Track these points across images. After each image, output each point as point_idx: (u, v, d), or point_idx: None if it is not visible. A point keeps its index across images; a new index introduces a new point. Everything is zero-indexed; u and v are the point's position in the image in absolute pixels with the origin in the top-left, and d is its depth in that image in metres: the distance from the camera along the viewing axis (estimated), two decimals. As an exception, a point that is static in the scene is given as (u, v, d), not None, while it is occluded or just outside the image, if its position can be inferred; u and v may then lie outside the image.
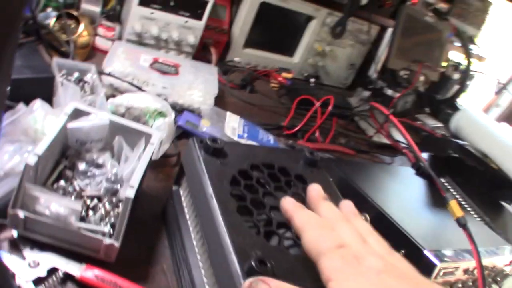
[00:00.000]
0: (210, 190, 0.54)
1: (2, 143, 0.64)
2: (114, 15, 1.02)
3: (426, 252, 0.70)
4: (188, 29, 1.07)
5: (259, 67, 1.29)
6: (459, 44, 1.49)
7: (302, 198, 0.61)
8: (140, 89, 0.89)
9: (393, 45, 1.18)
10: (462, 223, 0.75)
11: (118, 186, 0.65)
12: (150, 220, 0.69)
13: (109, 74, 0.88)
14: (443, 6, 1.43)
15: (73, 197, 0.62)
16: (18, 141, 0.66)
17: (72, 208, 0.54)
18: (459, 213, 0.76)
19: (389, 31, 1.32)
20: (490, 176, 1.20)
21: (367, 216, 0.78)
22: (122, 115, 0.75)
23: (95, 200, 0.63)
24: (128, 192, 0.56)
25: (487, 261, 0.79)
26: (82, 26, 0.95)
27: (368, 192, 0.82)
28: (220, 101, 1.06)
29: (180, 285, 0.60)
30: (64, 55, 0.92)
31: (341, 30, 1.20)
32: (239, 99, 1.11)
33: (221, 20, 1.17)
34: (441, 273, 0.71)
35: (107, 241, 0.55)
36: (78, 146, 0.66)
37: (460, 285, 0.76)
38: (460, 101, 1.68)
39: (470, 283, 0.78)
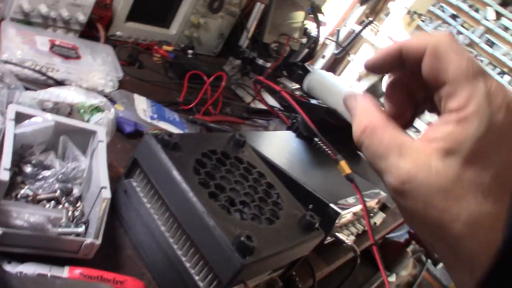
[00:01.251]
0: (184, 183, 0.62)
1: None
2: (-6, -7, 0.93)
3: (331, 205, 0.88)
4: (78, 6, 1.03)
5: (139, 41, 1.30)
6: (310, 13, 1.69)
7: (244, 177, 0.72)
8: (47, 76, 0.86)
9: (267, 21, 1.30)
10: (350, 178, 0.94)
11: (70, 185, 0.67)
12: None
13: (12, 63, 0.83)
14: (296, -20, 1.60)
15: (28, 202, 0.62)
16: None
17: (55, 216, 0.56)
18: (348, 170, 0.96)
19: (258, 5, 1.44)
20: (347, 131, 1.45)
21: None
22: (49, 111, 0.74)
23: (53, 202, 0.64)
24: (105, 193, 0.60)
25: (368, 203, 1.01)
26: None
27: (271, 158, 0.96)
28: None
29: (149, 265, 0.67)
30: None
31: (218, 5, 1.28)
32: (132, 77, 1.13)
33: (103, -6, 1.15)
34: (342, 219, 0.90)
35: (88, 240, 0.59)
36: (21, 151, 0.65)
37: (351, 224, 0.98)
38: (310, 63, 1.91)
39: (356, 222, 0.99)
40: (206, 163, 0.69)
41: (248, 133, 1.13)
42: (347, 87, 1.81)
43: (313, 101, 1.65)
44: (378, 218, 1.08)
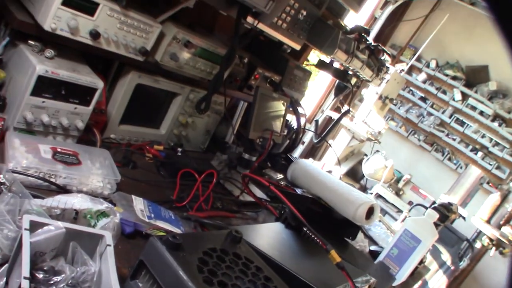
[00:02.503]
0: (190, 283, 0.65)
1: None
2: (3, 105, 1.00)
3: (326, 295, 0.91)
4: (77, 114, 1.11)
5: (132, 141, 1.38)
6: (290, 108, 1.81)
7: (244, 272, 0.76)
8: (51, 183, 0.92)
9: (251, 120, 1.40)
10: (341, 266, 0.99)
11: (79, 288, 0.70)
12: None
13: (17, 172, 0.89)
14: (276, 78, 1.74)
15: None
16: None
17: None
18: (338, 259, 1.01)
19: (241, 103, 1.55)
20: (332, 218, 1.51)
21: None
22: (56, 217, 0.79)
23: (62, 307, 0.67)
24: (115, 297, 0.63)
25: (359, 292, 1.04)
26: (-25, 123, 0.93)
27: (269, 252, 1.00)
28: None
29: None
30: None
31: (205, 105, 1.38)
32: (127, 177, 1.18)
33: (99, 101, 1.23)
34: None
35: None
36: (34, 258, 0.69)
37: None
38: (292, 153, 2.01)
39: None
40: (208, 261, 0.73)
41: (241, 228, 1.17)
42: (329, 175, 1.89)
43: (298, 191, 1.72)
44: (370, 304, 1.11)
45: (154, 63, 1.28)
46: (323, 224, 1.44)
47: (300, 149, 3.99)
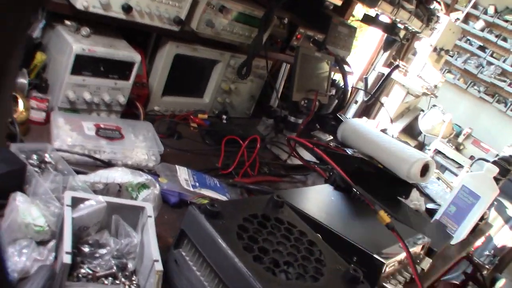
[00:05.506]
0: (229, 250, 0.65)
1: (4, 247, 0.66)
2: (43, 86, 1.03)
3: (375, 255, 0.89)
4: (118, 90, 1.13)
5: (176, 112, 1.39)
6: (336, 66, 1.75)
7: (286, 237, 0.75)
8: (96, 159, 0.94)
9: (294, 81, 1.37)
10: (391, 227, 0.96)
11: (125, 260, 0.72)
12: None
13: (63, 150, 0.91)
14: (319, 37, 1.68)
15: (89, 281, 0.67)
16: (15, 239, 0.69)
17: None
18: (387, 219, 0.97)
19: (284, 65, 1.51)
20: (384, 178, 1.46)
21: (320, 236, 0.94)
22: (99, 192, 0.81)
23: (110, 278, 0.69)
24: (157, 266, 0.64)
25: (411, 250, 1.01)
26: (21, 103, 0.96)
27: (314, 214, 0.99)
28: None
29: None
30: (10, 137, 0.93)
31: (247, 70, 1.35)
32: (172, 148, 1.20)
33: (139, 74, 1.24)
34: (387, 269, 0.90)
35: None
36: (79, 232, 0.71)
37: (397, 273, 0.97)
38: (342, 113, 1.96)
39: (403, 270, 0.99)
40: (248, 227, 0.72)
41: (286, 192, 1.16)
42: (381, 133, 1.83)
43: (349, 151, 1.68)
44: (425, 264, 1.07)
45: (190, 31, 1.27)
46: (374, 184, 1.40)
47: (353, 108, 3.90)
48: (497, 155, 2.93)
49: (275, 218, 0.79)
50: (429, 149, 3.18)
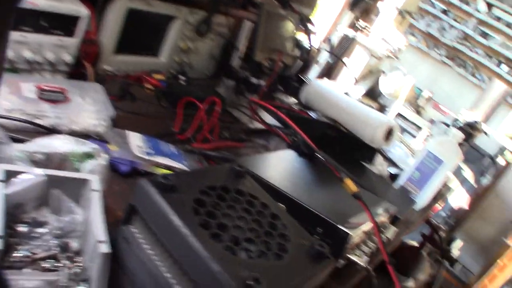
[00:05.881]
0: (183, 228, 0.59)
1: None
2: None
3: (340, 226, 0.85)
4: (62, 47, 1.02)
5: (130, 72, 1.28)
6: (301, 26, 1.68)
7: (247, 210, 0.69)
8: (38, 125, 0.84)
9: (257, 40, 1.29)
10: (358, 197, 0.92)
11: (67, 239, 0.65)
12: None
13: (1, 116, 0.81)
14: (283, -6, 1.59)
15: (26, 264, 0.60)
16: None
17: (53, 279, 0.54)
18: (354, 188, 0.93)
19: (246, 22, 1.42)
20: (348, 142, 1.43)
21: (283, 206, 0.89)
22: (40, 163, 0.72)
23: (52, 261, 0.62)
24: (102, 247, 0.57)
25: (378, 220, 0.97)
26: None
27: (277, 183, 0.93)
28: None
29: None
30: None
31: (206, 28, 1.26)
32: (124, 112, 1.11)
33: (88, 31, 1.13)
34: (353, 240, 0.87)
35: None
36: (14, 210, 0.63)
37: (362, 243, 0.94)
38: (307, 74, 1.89)
39: (368, 240, 0.96)
40: (206, 201, 0.66)
41: (247, 159, 1.10)
42: (346, 96, 1.78)
43: (313, 114, 1.63)
44: (391, 233, 1.05)
45: (144, -17, 1.15)
46: (339, 150, 1.37)
47: (315, 70, 3.84)
48: (456, 119, 2.96)
49: (235, 189, 0.73)
50: (390, 112, 3.18)
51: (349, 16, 3.17)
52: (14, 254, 0.59)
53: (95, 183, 0.66)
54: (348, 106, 1.60)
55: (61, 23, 0.99)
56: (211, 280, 0.55)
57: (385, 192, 1.30)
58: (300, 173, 1.11)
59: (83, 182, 0.67)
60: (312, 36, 1.74)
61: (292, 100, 1.70)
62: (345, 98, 1.68)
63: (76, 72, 1.11)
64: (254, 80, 1.42)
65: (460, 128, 1.61)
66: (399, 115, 3.26)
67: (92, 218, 0.62)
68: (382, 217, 1.02)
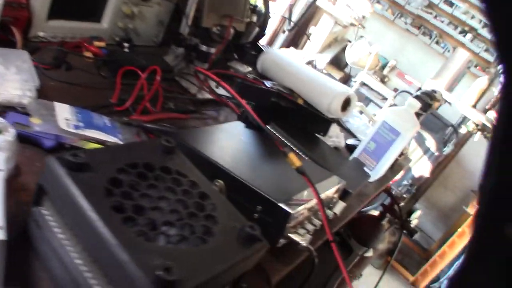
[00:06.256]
0: (90, 211, 0.53)
1: None
2: None
3: (280, 205, 0.81)
4: (-19, 10, 0.92)
5: (67, 39, 1.19)
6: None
7: (172, 190, 0.64)
8: None
9: (204, 4, 1.21)
10: (301, 171, 0.87)
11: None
12: (14, 245, 0.64)
13: None
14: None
15: None
16: None
17: None
18: (298, 163, 0.89)
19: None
20: (302, 113, 1.38)
21: (222, 182, 0.84)
22: None
23: None
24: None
25: (322, 196, 0.94)
26: None
27: (213, 157, 0.88)
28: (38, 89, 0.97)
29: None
30: None
31: (149, -8, 1.18)
32: (57, 81, 1.03)
33: (15, -7, 1.03)
34: (294, 218, 0.83)
35: (-16, 290, 0.51)
36: None
37: (306, 221, 0.90)
38: (263, 42, 1.82)
39: (313, 217, 0.92)
40: (123, 180, 0.60)
41: (190, 132, 1.04)
42: (303, 65, 1.73)
43: (268, 84, 1.57)
44: (338, 208, 1.01)
45: None
46: (292, 121, 1.32)
47: (281, 38, 3.77)
48: (420, 88, 2.95)
49: (161, 167, 0.67)
50: (355, 81, 3.15)
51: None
52: None
53: (1, 161, 0.60)
54: (305, 75, 1.55)
55: (-23, -18, 0.89)
56: (119, 269, 0.50)
57: (338, 166, 1.27)
58: (247, 147, 1.06)
59: (-14, 161, 0.60)
60: (269, 1, 1.67)
61: (247, 69, 1.63)
62: (302, 68, 1.63)
63: (3, 38, 1.02)
64: (204, 47, 1.34)
65: (417, 97, 1.58)
66: (364, 84, 3.24)
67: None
68: (330, 192, 0.98)
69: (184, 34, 1.37)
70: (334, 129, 1.54)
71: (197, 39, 1.33)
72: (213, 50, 1.35)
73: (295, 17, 3.10)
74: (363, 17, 2.96)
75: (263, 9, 1.75)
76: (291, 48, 3.15)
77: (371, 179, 1.45)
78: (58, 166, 0.57)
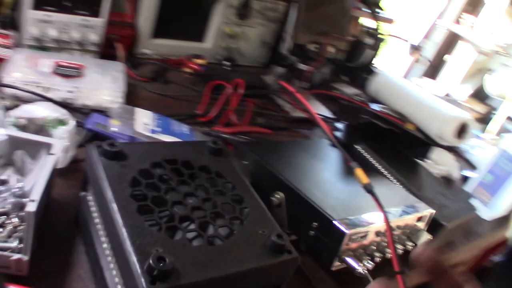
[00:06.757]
0: (109, 194, 0.55)
1: None
2: (7, 22, 0.98)
3: (335, 222, 0.75)
4: (88, 27, 1.05)
5: (171, 57, 1.29)
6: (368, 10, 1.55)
7: (205, 189, 0.64)
8: (42, 96, 0.87)
9: (298, 20, 1.21)
10: (368, 189, 0.80)
11: (25, 199, 0.65)
12: (64, 228, 0.69)
13: (9, 85, 0.85)
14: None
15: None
16: None
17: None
18: (365, 180, 0.81)
19: (294, 4, 1.35)
20: (403, 136, 1.28)
21: (282, 194, 0.81)
22: (24, 127, 0.74)
23: (3, 217, 0.62)
24: (30, 206, 0.56)
25: (398, 221, 0.84)
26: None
27: (282, 170, 0.85)
28: (133, 97, 1.06)
29: (96, 289, 0.61)
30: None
31: (246, 11, 1.22)
32: (152, 92, 1.11)
33: (124, 13, 1.15)
34: (352, 239, 0.76)
35: (15, 256, 0.56)
36: (-25, 166, 0.65)
37: (374, 247, 0.81)
38: (376, 65, 1.75)
39: (384, 243, 0.83)
40: (154, 173, 0.62)
41: (262, 143, 1.04)
42: (417, 88, 1.61)
43: (375, 106, 1.50)
44: (420, 238, 0.89)
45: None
46: (390, 143, 1.23)
47: (418, 68, 3.57)
48: None
49: (200, 166, 0.67)
50: (499, 115, 2.83)
51: (452, 8, 2.90)
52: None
53: (55, 147, 0.66)
54: (416, 98, 1.45)
55: (85, 3, 1.01)
56: (122, 254, 0.51)
57: (436, 194, 1.13)
58: (322, 164, 1.00)
59: (47, 145, 0.67)
60: (382, 22, 1.61)
61: (354, 90, 1.58)
62: (413, 90, 1.52)
63: (109, 53, 1.14)
64: (302, 66, 1.34)
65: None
66: (509, 118, 2.89)
67: (37, 179, 0.61)
68: (409, 219, 0.88)
69: (284, 53, 1.38)
70: (445, 157, 1.39)
71: (296, 58, 1.33)
72: (311, 69, 1.33)
73: (429, 44, 2.93)
74: (509, 44, 2.68)
75: (379, 31, 1.70)
76: (426, 78, 2.97)
77: (485, 216, 1.27)
78: (95, 153, 0.60)
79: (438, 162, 1.35)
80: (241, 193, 0.66)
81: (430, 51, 2.77)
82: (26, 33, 0.99)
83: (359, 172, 0.82)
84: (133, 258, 0.49)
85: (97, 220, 0.62)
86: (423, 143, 1.26)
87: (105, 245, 0.59)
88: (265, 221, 0.64)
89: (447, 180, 1.37)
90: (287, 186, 0.82)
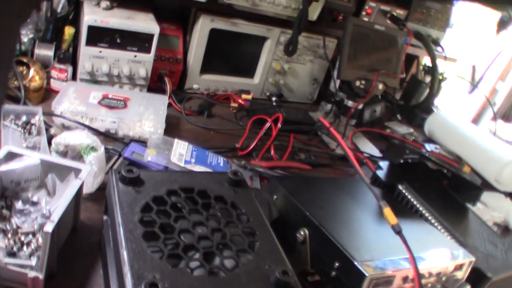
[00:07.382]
0: (118, 218, 0.57)
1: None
2: (66, 57, 1.07)
3: (356, 263, 0.71)
4: (138, 63, 1.11)
5: (219, 92, 1.33)
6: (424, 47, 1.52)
7: (217, 219, 0.64)
8: (85, 126, 0.93)
9: (342, 56, 1.20)
10: (397, 230, 0.76)
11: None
12: (88, 251, 0.72)
13: (56, 115, 0.92)
14: (400, 12, 1.46)
15: (9, 235, 0.66)
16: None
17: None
18: (393, 220, 0.77)
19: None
20: (454, 178, 1.21)
21: (306, 231, 0.80)
22: (64, 153, 0.79)
23: (30, 236, 0.67)
24: (47, 226, 0.59)
25: (430, 267, 0.79)
26: (32, 71, 1.01)
27: (310, 207, 0.83)
28: (176, 129, 1.10)
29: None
30: (16, 100, 0.97)
31: (293, 47, 1.24)
32: (195, 125, 1.14)
33: (175, 50, 1.21)
34: (373, 283, 0.72)
35: (32, 274, 0.59)
36: (13, 187, 0.70)
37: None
38: (436, 104, 1.70)
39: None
40: (167, 201, 0.63)
41: (293, 178, 1.02)
42: (475, 129, 1.53)
43: (429, 147, 1.45)
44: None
45: (226, 5, 1.19)
46: (438, 184, 1.17)
47: (490, 111, 3.39)
48: None
49: (216, 196, 0.68)
50: None
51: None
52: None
53: (84, 172, 0.70)
54: (473, 140, 1.38)
55: (136, 40, 1.08)
56: (120, 272, 0.52)
57: (484, 242, 1.05)
58: (353, 202, 0.97)
59: (77, 170, 0.71)
60: (441, 60, 1.56)
61: (408, 130, 1.53)
62: (472, 132, 1.45)
63: (157, 87, 1.20)
64: (349, 103, 1.32)
65: None
66: None
67: (60, 201, 0.65)
68: (445, 267, 0.82)
69: (332, 90, 1.38)
70: (501, 202, 1.30)
71: (343, 94, 1.32)
72: (361, 107, 1.32)
73: (503, 86, 2.78)
74: None
75: (441, 71, 1.65)
76: (457, 116, 2.80)
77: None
78: (113, 178, 0.63)
79: (493, 208, 1.26)
80: (255, 226, 0.66)
81: (503, 92, 2.64)
82: (80, 67, 1.07)
83: (388, 212, 0.79)
84: (129, 281, 0.50)
85: (110, 244, 0.64)
86: (474, 187, 1.18)
87: (113, 268, 0.61)
88: (275, 257, 0.63)
89: (501, 228, 1.27)
90: (312, 222, 0.80)
